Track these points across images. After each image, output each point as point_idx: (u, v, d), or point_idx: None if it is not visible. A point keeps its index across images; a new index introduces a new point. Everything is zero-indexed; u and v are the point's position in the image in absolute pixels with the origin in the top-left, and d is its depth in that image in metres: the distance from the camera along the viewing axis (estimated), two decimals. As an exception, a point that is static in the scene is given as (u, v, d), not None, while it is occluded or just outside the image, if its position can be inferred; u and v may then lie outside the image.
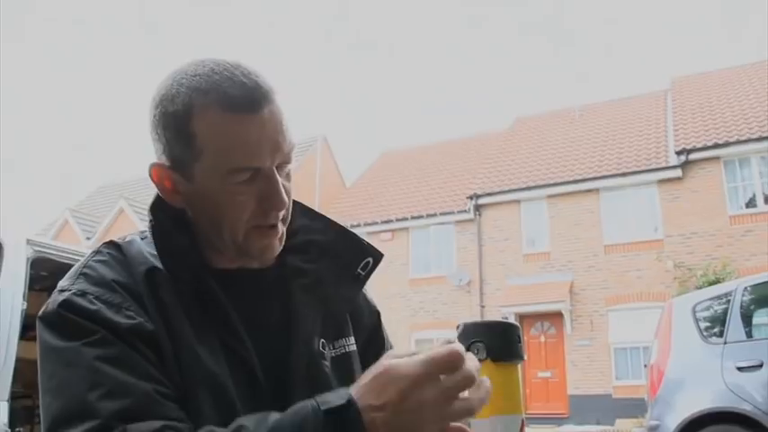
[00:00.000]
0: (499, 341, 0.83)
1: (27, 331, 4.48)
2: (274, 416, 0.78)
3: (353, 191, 25.87)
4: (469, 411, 0.75)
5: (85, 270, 0.97)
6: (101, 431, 0.81)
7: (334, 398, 0.76)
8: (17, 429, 4.60)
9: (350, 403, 0.74)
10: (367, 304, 1.23)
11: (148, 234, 1.04)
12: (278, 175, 0.98)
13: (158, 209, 1.04)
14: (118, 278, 0.96)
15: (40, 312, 0.94)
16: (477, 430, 0.82)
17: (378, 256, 1.13)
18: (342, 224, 1.15)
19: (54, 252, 4.33)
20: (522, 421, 0.82)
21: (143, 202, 24.25)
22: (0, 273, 3.95)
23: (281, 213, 1.01)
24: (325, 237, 1.13)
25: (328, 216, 1.16)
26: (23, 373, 4.72)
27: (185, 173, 0.98)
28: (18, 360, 3.90)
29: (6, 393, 3.83)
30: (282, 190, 0.98)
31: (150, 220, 1.03)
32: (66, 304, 0.91)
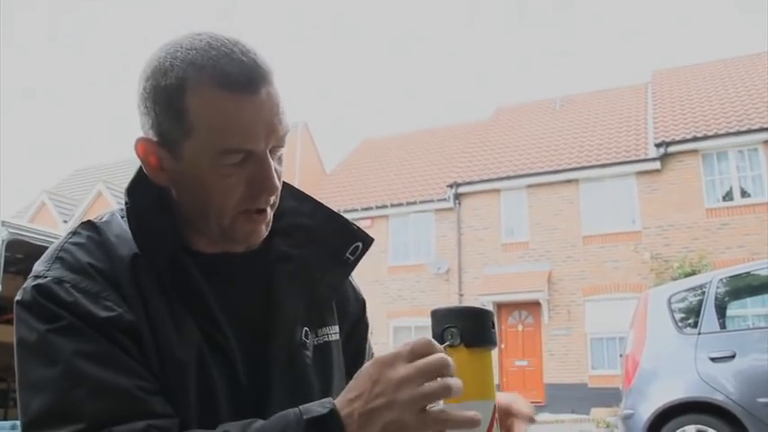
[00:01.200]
0: (473, 326, 0.83)
1: (1, 314, 4.44)
2: (258, 422, 0.78)
3: (333, 177, 25.80)
4: (446, 390, 0.75)
5: (61, 254, 0.93)
6: None
7: (317, 407, 0.76)
8: (-9, 412, 4.57)
9: (332, 413, 0.75)
10: (353, 292, 1.20)
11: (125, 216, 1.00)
12: (270, 159, 0.94)
13: (136, 190, 0.99)
14: (95, 263, 0.92)
15: (18, 298, 0.91)
16: None
17: (368, 241, 1.09)
18: (330, 207, 1.11)
19: (30, 234, 4.29)
20: (495, 407, 0.82)
21: (121, 186, 23.91)
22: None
23: (271, 198, 0.97)
24: (313, 220, 1.09)
25: (317, 199, 1.12)
26: (-2, 356, 4.67)
27: (173, 150, 0.92)
28: (-8, 343, 3.86)
29: (-20, 376, 3.79)
30: (275, 174, 0.94)
31: (126, 202, 0.98)
32: (42, 292, 0.88)
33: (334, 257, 1.08)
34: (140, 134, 0.96)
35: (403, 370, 0.75)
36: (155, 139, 0.94)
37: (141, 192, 0.98)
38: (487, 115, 26.09)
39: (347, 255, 1.08)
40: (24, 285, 0.91)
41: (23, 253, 4.53)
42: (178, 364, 0.91)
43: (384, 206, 21.84)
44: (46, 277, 0.90)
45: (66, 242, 0.96)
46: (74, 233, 0.97)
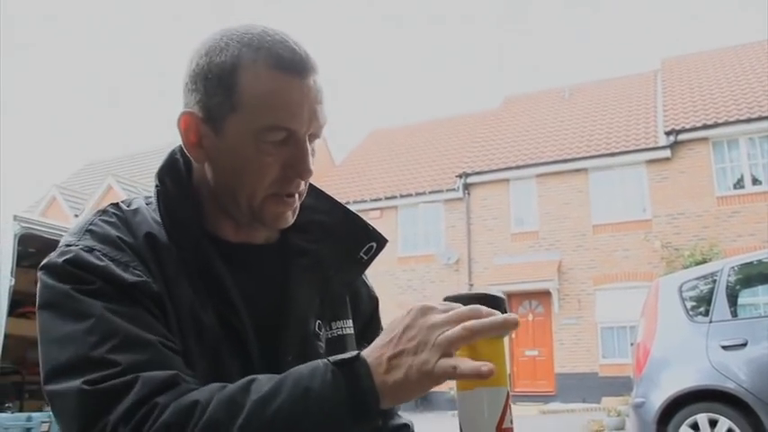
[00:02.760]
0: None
1: (15, 308, 4.47)
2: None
3: (342, 168, 25.79)
4: (473, 333, 0.77)
5: (91, 227, 0.96)
6: (114, 378, 0.81)
7: (345, 354, 0.81)
8: (6, 404, 4.61)
9: (358, 356, 0.79)
10: (366, 290, 1.23)
11: (153, 199, 1.03)
12: (308, 145, 0.98)
13: (166, 174, 1.03)
14: (124, 237, 0.96)
15: (44, 263, 0.93)
16: (462, 401, 0.82)
17: (382, 241, 1.12)
18: (348, 207, 1.14)
19: (42, 228, 4.31)
20: (508, 393, 0.82)
21: (131, 179, 24.12)
22: (-13, 249, 3.93)
23: (302, 184, 1.01)
24: (330, 218, 1.12)
25: (335, 197, 1.15)
26: (12, 349, 4.72)
27: (216, 126, 0.96)
28: (6, 336, 3.89)
29: (-5, 369, 3.83)
30: (310, 159, 0.99)
31: (156, 185, 1.02)
32: (73, 259, 0.90)
33: (349, 255, 1.11)
34: (183, 110, 1.00)
35: (436, 317, 0.79)
36: (199, 114, 0.97)
37: (170, 176, 1.03)
38: (496, 105, 26.01)
39: (361, 254, 1.11)
40: (51, 255, 0.94)
41: (36, 247, 4.55)
42: (199, 339, 0.94)
43: (393, 197, 21.83)
44: (77, 245, 0.93)
45: (95, 218, 0.99)
46: (103, 212, 1.01)
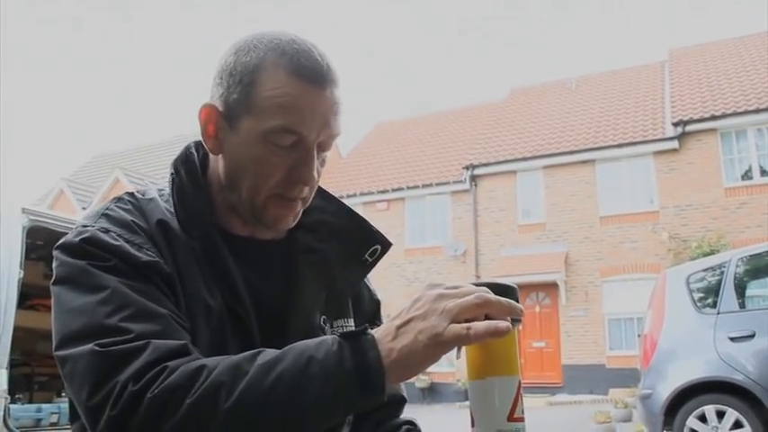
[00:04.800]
0: None
1: (23, 300, 4.50)
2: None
3: (349, 161, 25.78)
4: (482, 302, 0.79)
5: (107, 211, 1.00)
6: (126, 343, 0.83)
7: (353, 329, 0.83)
8: (17, 396, 4.64)
9: (365, 330, 0.81)
10: (368, 292, 1.26)
11: (167, 191, 1.07)
12: (315, 153, 1.01)
13: (180, 165, 1.08)
14: (138, 221, 0.99)
15: (60, 243, 0.96)
16: (474, 391, 0.83)
17: (386, 245, 1.16)
18: (354, 210, 1.18)
19: (50, 221, 4.32)
20: (519, 383, 0.82)
21: (138, 172, 24.17)
22: (-3, 242, 3.94)
23: (305, 190, 1.04)
24: (338, 219, 1.16)
25: (342, 200, 1.19)
26: (22, 341, 4.74)
27: (233, 121, 1.00)
28: (16, 329, 3.91)
29: (5, 361, 3.85)
30: (315, 167, 1.02)
31: (171, 174, 1.07)
32: (89, 238, 0.94)
33: (354, 257, 1.14)
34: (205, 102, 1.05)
35: (444, 289, 0.81)
36: (220, 108, 1.02)
37: (185, 168, 1.08)
38: (503, 97, 25.95)
39: (366, 256, 1.15)
40: (67, 236, 0.97)
41: (44, 239, 4.56)
42: (206, 323, 0.97)
43: (400, 189, 21.83)
44: (93, 227, 0.96)
45: (111, 204, 1.03)
46: (118, 199, 1.05)
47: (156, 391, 0.79)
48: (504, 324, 0.76)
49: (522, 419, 0.81)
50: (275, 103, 0.97)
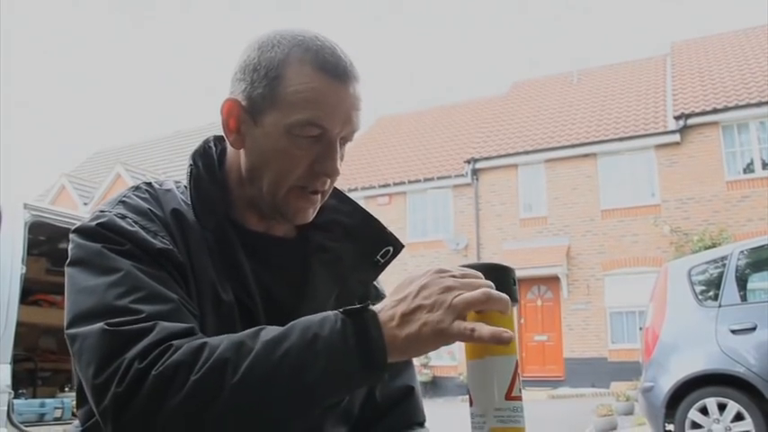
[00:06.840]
0: (495, 283, 0.84)
1: (26, 296, 4.51)
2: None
3: (350, 155, 25.75)
4: (489, 299, 0.79)
5: (125, 199, 1.02)
6: (135, 323, 0.85)
7: (356, 306, 0.83)
8: (20, 391, 4.66)
9: (367, 307, 0.82)
10: (377, 293, 1.26)
11: (183, 183, 1.09)
12: (338, 146, 1.04)
13: (199, 157, 1.10)
14: (154, 210, 1.01)
15: (76, 227, 0.99)
16: (472, 371, 0.84)
17: (398, 246, 1.17)
18: (368, 211, 1.19)
19: (51, 217, 4.33)
20: (517, 362, 0.83)
21: (139, 168, 24.15)
22: (-1, 237, 3.95)
23: (328, 182, 1.06)
24: (351, 220, 1.17)
25: (357, 201, 1.20)
26: (24, 336, 4.76)
27: (257, 115, 1.02)
28: (19, 324, 3.93)
29: (8, 356, 3.86)
30: (338, 159, 1.04)
31: (190, 165, 1.08)
32: (106, 223, 0.96)
33: (366, 257, 1.16)
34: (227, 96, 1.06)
35: (452, 280, 0.82)
36: (243, 103, 1.03)
37: (203, 161, 1.10)
38: (504, 90, 25.91)
39: (378, 257, 1.16)
40: (84, 220, 0.99)
41: (46, 235, 4.58)
42: (217, 313, 0.99)
43: (402, 183, 21.82)
44: (111, 212, 0.98)
45: (128, 192, 1.05)
46: (136, 188, 1.07)
47: (160, 368, 0.80)
48: (507, 335, 0.77)
49: (519, 398, 0.83)
50: (301, 97, 0.98)
